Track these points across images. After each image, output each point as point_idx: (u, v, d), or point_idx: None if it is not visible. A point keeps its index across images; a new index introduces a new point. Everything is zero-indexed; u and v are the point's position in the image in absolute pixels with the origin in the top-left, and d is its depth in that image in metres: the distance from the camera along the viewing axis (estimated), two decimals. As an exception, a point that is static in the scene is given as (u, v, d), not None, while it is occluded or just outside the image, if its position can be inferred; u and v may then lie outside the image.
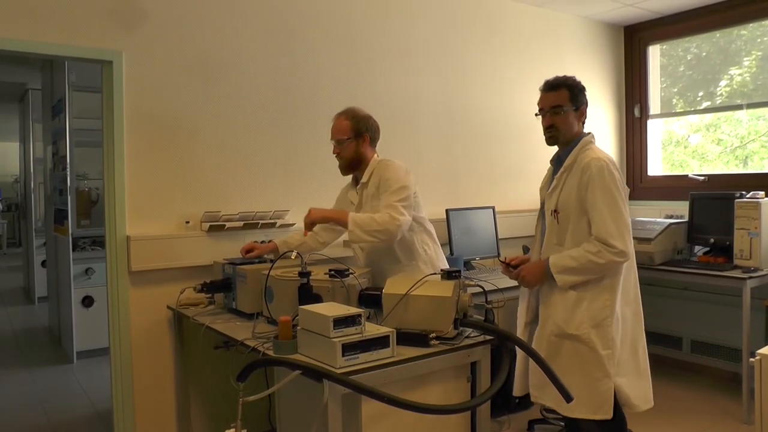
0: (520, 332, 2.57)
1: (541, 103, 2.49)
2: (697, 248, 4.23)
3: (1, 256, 12.32)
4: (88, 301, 5.07)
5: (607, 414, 2.31)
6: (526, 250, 3.87)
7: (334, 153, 2.80)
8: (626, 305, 2.41)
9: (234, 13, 3.27)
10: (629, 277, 2.43)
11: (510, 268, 2.54)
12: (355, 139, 2.75)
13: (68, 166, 5.01)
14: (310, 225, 2.70)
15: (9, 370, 4.86)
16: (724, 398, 3.95)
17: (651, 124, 5.06)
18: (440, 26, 4.09)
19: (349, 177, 2.93)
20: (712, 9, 4.53)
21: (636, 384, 2.41)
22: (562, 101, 2.43)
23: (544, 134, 2.50)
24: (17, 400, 4.19)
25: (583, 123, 2.50)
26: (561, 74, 2.53)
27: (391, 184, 2.64)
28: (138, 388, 3.03)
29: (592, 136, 2.48)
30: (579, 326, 2.33)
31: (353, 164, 2.80)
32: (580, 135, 2.47)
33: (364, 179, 2.78)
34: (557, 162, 2.52)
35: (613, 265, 2.31)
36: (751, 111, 4.58)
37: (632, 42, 5.08)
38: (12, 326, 6.42)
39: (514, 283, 2.63)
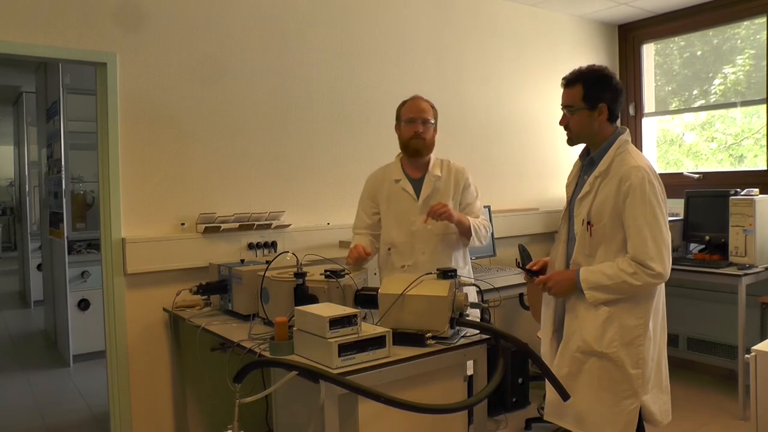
0: (546, 343, 2.38)
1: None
2: (692, 246, 4.25)
3: (-4, 260, 12.29)
4: (84, 304, 5.05)
5: None
6: (522, 248, 3.87)
7: (415, 131, 2.69)
8: (656, 323, 2.28)
9: (228, 15, 3.27)
10: (660, 294, 2.30)
11: (531, 275, 2.38)
12: (435, 125, 2.78)
13: (63, 169, 4.99)
14: (444, 218, 2.55)
15: (5, 373, 4.84)
16: (720, 395, 3.96)
17: (645, 122, 5.07)
18: (435, 26, 4.09)
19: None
20: (706, 7, 4.55)
21: (660, 399, 2.31)
22: (573, 100, 2.24)
23: None
24: (13, 404, 4.18)
25: (612, 120, 2.25)
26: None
27: (475, 193, 2.82)
28: (134, 390, 3.03)
29: (628, 134, 2.26)
30: (609, 344, 2.18)
31: (431, 149, 2.77)
32: (615, 134, 2.24)
33: (437, 172, 2.76)
34: (589, 162, 2.31)
35: (649, 287, 2.17)
36: (744, 109, 4.59)
37: (626, 40, 5.10)
38: (8, 330, 6.40)
39: (510, 282, 2.59)
